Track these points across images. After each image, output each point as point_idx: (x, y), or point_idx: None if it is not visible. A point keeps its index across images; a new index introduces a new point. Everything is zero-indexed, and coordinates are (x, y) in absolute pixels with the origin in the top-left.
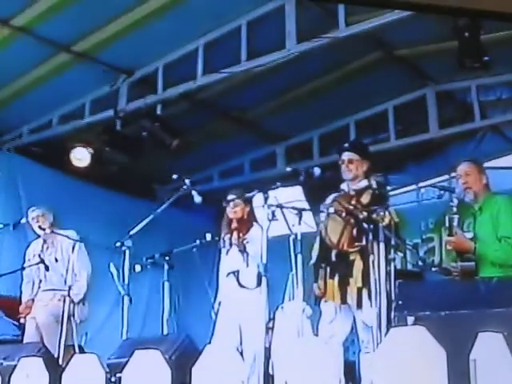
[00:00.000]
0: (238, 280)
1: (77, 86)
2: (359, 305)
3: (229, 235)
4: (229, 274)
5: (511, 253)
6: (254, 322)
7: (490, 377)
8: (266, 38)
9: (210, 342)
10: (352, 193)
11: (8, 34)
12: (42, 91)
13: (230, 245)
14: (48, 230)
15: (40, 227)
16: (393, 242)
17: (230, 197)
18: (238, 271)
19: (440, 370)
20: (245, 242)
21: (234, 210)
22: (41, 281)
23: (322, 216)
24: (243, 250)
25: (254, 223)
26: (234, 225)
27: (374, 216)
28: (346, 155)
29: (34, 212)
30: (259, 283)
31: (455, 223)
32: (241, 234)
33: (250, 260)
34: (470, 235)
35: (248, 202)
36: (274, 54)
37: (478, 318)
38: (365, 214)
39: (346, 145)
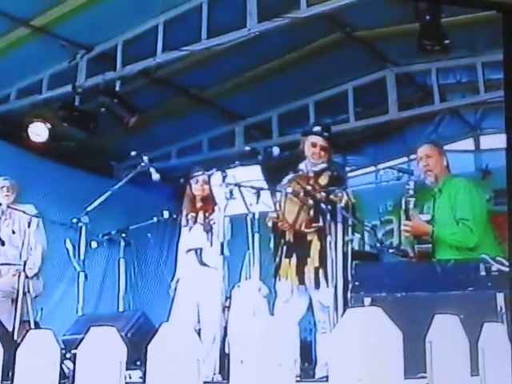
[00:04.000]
0: (200, 258)
1: (35, 61)
2: (316, 285)
3: (193, 213)
4: (189, 251)
5: (469, 235)
6: (213, 301)
7: (446, 359)
8: (226, 16)
9: (167, 320)
10: (311, 174)
11: None
12: None
13: (194, 222)
14: (4, 206)
15: (5, 199)
16: (350, 223)
17: (197, 173)
18: (200, 249)
19: (396, 351)
20: (211, 220)
21: (202, 187)
22: None
23: (279, 196)
24: (209, 229)
25: (215, 201)
26: (200, 203)
27: (332, 197)
28: (319, 140)
29: (1, 181)
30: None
31: (411, 206)
32: (207, 213)
33: (214, 239)
34: (427, 217)
35: (211, 180)
36: (235, 32)
37: (435, 300)
38: (323, 194)
39: (318, 128)
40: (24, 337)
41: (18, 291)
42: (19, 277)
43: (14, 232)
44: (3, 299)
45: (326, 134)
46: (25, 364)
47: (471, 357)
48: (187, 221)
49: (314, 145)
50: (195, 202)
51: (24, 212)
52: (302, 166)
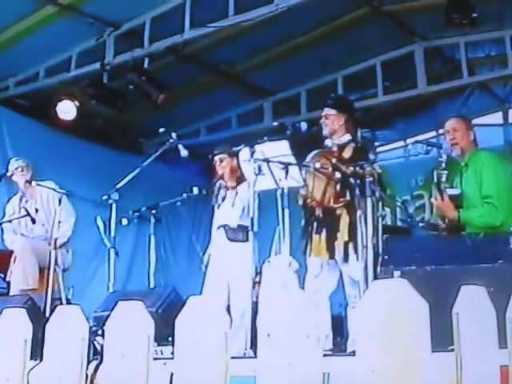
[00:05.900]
0: (227, 234)
1: (63, 39)
2: (346, 259)
3: (219, 190)
4: (219, 227)
5: (495, 214)
6: (242, 277)
7: (473, 330)
8: None
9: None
10: (334, 148)
11: None
12: (28, 44)
13: (223, 199)
14: (26, 184)
15: (24, 179)
16: (377, 195)
17: (219, 152)
18: (228, 225)
19: (423, 322)
20: (235, 195)
21: (221, 165)
22: (22, 234)
23: (306, 173)
24: (233, 204)
25: (244, 177)
26: (223, 180)
27: (359, 170)
28: (324, 111)
29: (17, 162)
30: (248, 237)
31: (443, 179)
32: (230, 188)
33: (239, 214)
34: (457, 191)
35: (234, 155)
36: (262, 8)
37: (464, 273)
38: (351, 168)
39: (328, 101)
40: (52, 312)
41: (49, 263)
42: (50, 251)
43: (37, 211)
44: (31, 251)
45: (330, 102)
46: (54, 339)
47: (500, 330)
48: (216, 198)
49: (324, 117)
50: (220, 179)
51: (54, 190)
52: (327, 141)
